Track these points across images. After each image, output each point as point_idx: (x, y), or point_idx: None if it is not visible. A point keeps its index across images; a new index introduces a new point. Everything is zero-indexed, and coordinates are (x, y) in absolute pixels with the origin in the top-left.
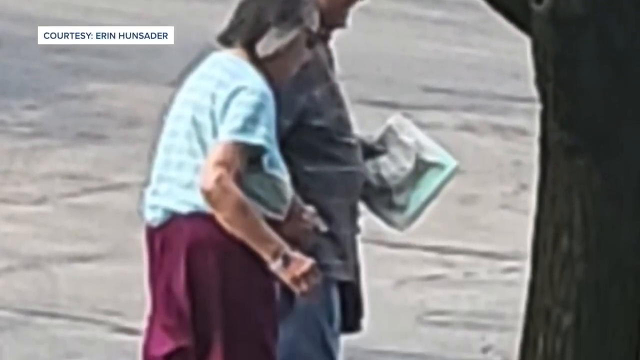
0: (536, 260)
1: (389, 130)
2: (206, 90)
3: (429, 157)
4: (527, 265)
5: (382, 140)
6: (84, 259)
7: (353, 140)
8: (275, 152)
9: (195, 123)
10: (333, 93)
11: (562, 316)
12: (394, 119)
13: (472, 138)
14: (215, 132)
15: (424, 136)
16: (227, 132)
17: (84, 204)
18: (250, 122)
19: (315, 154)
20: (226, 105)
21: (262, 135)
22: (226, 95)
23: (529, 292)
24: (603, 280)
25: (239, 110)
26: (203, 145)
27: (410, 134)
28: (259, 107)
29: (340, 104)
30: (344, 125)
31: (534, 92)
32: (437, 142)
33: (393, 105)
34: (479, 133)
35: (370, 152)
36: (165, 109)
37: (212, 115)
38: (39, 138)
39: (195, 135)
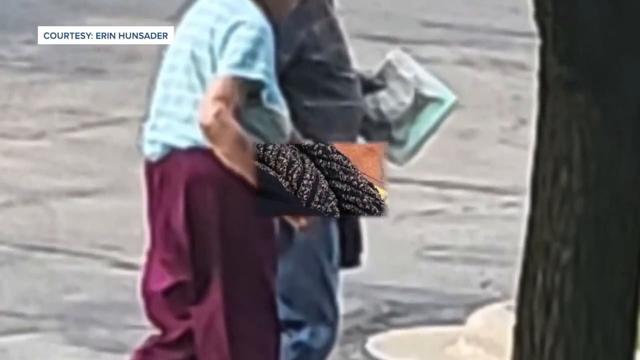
0: (535, 195)
1: (388, 65)
2: (205, 25)
3: (428, 92)
4: (526, 200)
5: (381, 75)
6: (82, 193)
7: (352, 75)
8: (274, 87)
9: (194, 58)
10: (332, 28)
11: (561, 251)
12: (393, 53)
13: (471, 73)
14: (214, 67)
15: (423, 71)
16: (226, 67)
17: (83, 138)
18: (249, 57)
19: (315, 88)
20: (225, 40)
21: (261, 70)
22: (225, 29)
23: (528, 227)
24: (602, 215)
25: (238, 44)
26: (202, 80)
27: (409, 68)
28: (258, 41)
29: (339, 38)
30: (343, 59)
31: (533, 26)
32: (436, 77)
33: (392, 40)
34: (478, 68)
35: (369, 87)
36: (164, 44)
37: (211, 50)
38: (37, 73)
39: (194, 70)
